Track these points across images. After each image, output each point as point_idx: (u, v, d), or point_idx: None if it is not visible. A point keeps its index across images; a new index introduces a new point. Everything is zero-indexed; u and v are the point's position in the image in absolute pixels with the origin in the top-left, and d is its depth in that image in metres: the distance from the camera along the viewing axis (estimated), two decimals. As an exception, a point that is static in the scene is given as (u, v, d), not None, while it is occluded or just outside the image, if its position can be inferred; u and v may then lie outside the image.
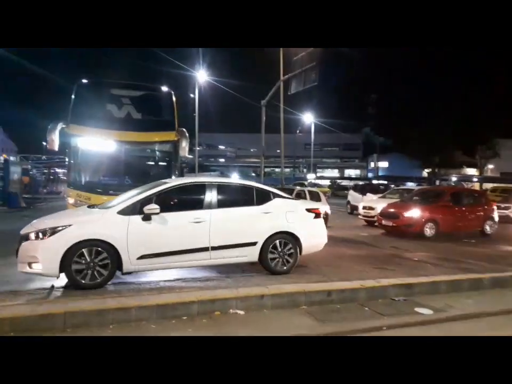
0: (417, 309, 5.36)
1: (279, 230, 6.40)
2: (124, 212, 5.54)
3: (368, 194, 19.19)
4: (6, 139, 68.20)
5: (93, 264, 5.25)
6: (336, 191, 41.69)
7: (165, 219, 5.66)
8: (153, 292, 5.25)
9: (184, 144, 9.32)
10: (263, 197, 6.56)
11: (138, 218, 5.53)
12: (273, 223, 6.40)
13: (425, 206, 12.08)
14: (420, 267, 7.50)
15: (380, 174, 55.95)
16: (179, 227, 5.82)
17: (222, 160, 47.74)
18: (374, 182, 41.45)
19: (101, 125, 9.11)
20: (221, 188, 6.27)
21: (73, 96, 9.32)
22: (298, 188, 15.40)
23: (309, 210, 6.84)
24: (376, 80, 46.16)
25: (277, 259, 6.37)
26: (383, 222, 12.41)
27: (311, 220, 6.78)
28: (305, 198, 13.28)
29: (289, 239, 6.46)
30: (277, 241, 6.36)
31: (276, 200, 6.63)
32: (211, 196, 6.09)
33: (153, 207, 5.52)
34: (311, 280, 6.13)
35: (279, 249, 6.37)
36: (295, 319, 4.86)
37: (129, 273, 5.69)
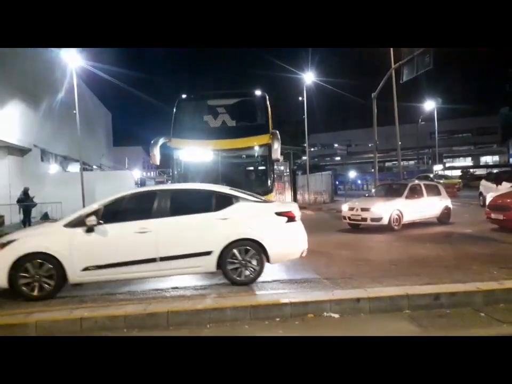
0: (549, 317, 4.50)
1: (240, 238, 5.80)
2: (69, 225, 5.64)
3: (504, 183, 16.70)
4: (146, 157, 77.82)
5: (39, 276, 5.41)
6: (470, 182, 37.23)
7: (108, 230, 5.58)
8: (250, 292, 5.46)
9: (276, 146, 9.21)
10: (223, 202, 6.02)
11: (82, 230, 5.55)
12: (232, 229, 5.83)
13: None
14: (561, 267, 6.28)
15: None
16: (124, 238, 5.68)
17: (338, 158, 46.74)
18: (517, 168, 35.89)
19: (199, 136, 9.65)
20: (174, 195, 6.02)
21: (174, 112, 10.07)
22: (416, 181, 14.20)
23: (279, 213, 6.04)
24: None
25: (238, 269, 5.78)
26: (493, 215, 10.67)
27: (281, 225, 6.00)
28: (420, 192, 12.24)
29: (253, 246, 5.81)
30: (237, 250, 5.78)
31: (239, 205, 6.03)
32: (162, 204, 5.84)
33: (91, 219, 5.48)
34: (420, 282, 5.65)
35: (240, 258, 5.77)
36: (393, 324, 4.51)
37: (78, 284, 5.78)
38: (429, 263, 6.96)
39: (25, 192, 16.83)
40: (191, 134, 9.76)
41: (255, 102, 10.44)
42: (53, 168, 23.96)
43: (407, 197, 11.86)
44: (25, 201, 16.65)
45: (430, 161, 43.59)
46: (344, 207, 12.30)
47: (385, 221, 11.22)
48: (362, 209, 11.58)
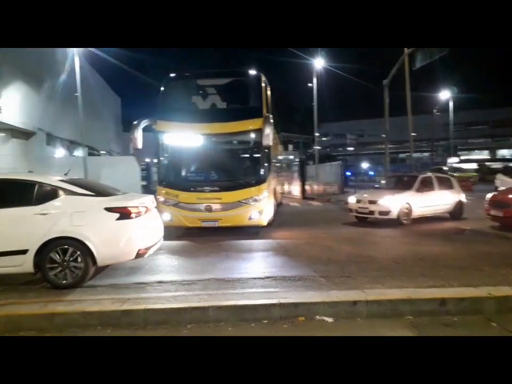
0: None
1: (60, 236, 5.26)
2: None
3: (522, 177, 16.01)
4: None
5: None
6: (486, 176, 36.08)
7: None
8: (238, 289, 5.04)
9: (268, 132, 8.47)
10: (46, 195, 5.45)
11: None
12: (52, 226, 5.26)
13: None
14: None
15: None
16: None
17: (351, 148, 45.47)
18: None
19: (187, 119, 9.01)
20: None
21: (161, 91, 9.39)
22: (428, 173, 13.49)
23: (110, 209, 5.44)
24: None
25: (59, 270, 5.25)
26: (492, 212, 10.04)
27: (111, 222, 5.42)
28: (432, 185, 11.62)
29: (76, 245, 5.28)
30: (58, 249, 5.26)
31: (63, 198, 5.46)
32: None
33: None
34: (425, 284, 5.16)
35: (61, 259, 5.25)
36: (392, 332, 4.04)
37: None
38: (437, 262, 6.44)
39: (28, 176, 16.61)
40: (178, 116, 9.11)
41: (248, 83, 9.68)
42: (59, 152, 23.70)
43: (417, 190, 11.25)
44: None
45: (445, 154, 42.34)
46: (351, 199, 11.74)
47: (393, 215, 10.66)
48: (370, 202, 11.02)
